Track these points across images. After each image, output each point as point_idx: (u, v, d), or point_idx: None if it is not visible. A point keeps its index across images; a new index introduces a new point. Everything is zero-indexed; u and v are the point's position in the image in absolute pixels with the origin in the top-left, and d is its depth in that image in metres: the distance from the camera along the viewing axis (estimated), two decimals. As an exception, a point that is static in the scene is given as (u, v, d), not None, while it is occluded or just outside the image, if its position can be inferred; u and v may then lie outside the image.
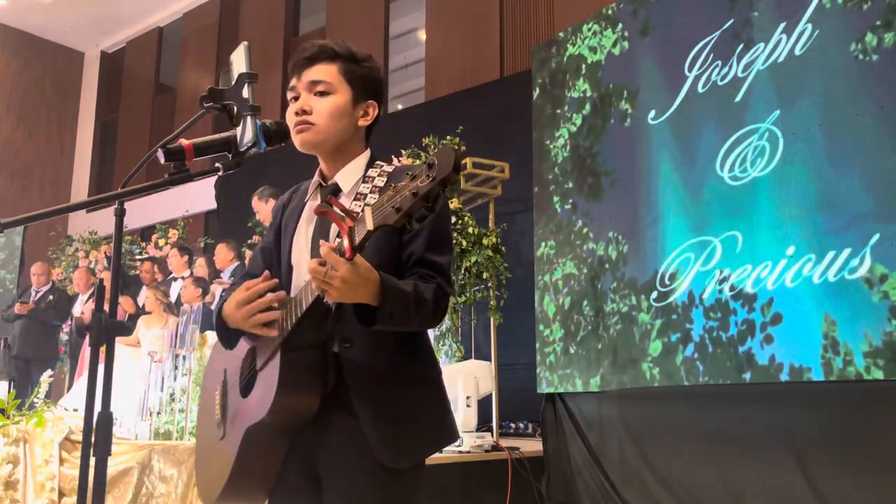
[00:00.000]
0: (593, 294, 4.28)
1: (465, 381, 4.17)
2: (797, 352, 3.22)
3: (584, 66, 4.54)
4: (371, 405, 1.47)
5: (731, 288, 3.52)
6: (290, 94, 1.61)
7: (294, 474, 1.54)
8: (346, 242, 1.26)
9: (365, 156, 1.63)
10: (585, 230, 4.41)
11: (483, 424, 4.65)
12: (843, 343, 3.06)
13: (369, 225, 1.21)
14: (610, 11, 4.38)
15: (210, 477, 1.61)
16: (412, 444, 1.51)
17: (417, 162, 5.10)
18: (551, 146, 4.73)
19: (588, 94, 4.50)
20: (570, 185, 4.56)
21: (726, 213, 3.60)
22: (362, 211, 1.25)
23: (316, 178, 1.65)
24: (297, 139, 1.57)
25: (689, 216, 3.78)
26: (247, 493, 1.56)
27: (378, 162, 1.62)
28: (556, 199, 4.65)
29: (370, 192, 1.53)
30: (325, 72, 1.57)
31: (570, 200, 4.56)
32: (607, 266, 4.21)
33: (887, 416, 3.07)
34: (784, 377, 3.25)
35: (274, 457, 1.54)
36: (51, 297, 7.74)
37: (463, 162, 4.86)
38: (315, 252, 1.55)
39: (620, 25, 4.30)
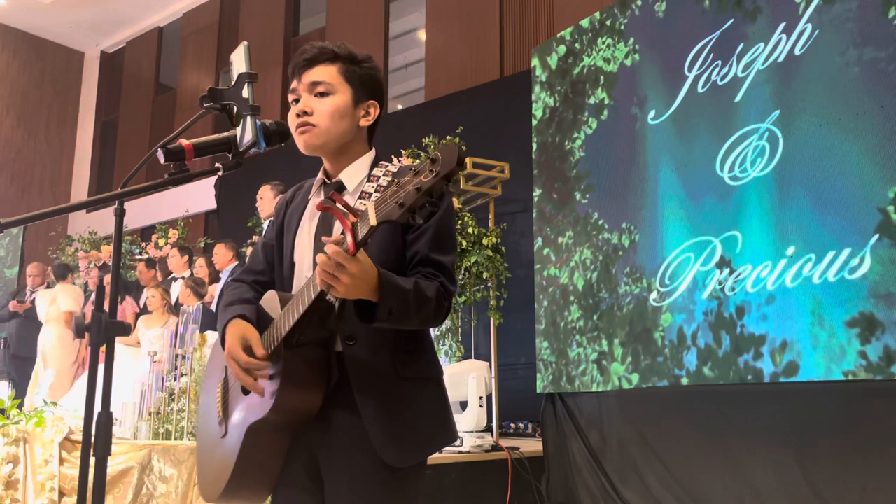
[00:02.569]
0: (608, 279, 4.27)
1: (478, 380, 4.17)
2: (798, 356, 3.22)
3: (602, 77, 4.52)
4: (374, 403, 1.48)
5: (732, 289, 3.52)
6: (290, 97, 1.61)
7: (296, 473, 1.54)
8: (349, 238, 1.26)
9: (370, 155, 1.64)
10: (599, 220, 4.38)
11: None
12: (844, 345, 3.06)
13: (372, 220, 1.21)
14: (609, 13, 4.38)
15: (211, 475, 1.62)
16: (415, 442, 1.51)
17: (418, 162, 5.11)
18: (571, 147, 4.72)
19: (606, 101, 4.47)
20: (584, 184, 4.54)
21: (726, 213, 3.60)
22: (365, 207, 1.25)
23: (320, 175, 1.66)
24: (299, 141, 1.58)
25: (688, 216, 3.78)
26: (249, 491, 1.56)
27: (382, 162, 1.62)
28: (577, 194, 4.62)
29: (375, 191, 1.54)
30: (325, 73, 1.58)
31: (589, 194, 4.53)
32: (621, 253, 4.20)
33: (888, 416, 3.06)
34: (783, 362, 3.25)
35: (276, 455, 1.54)
36: None
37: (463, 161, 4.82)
38: (318, 249, 1.56)
39: (620, 25, 4.30)
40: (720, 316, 3.56)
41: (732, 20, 3.71)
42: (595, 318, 4.24)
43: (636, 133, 4.12)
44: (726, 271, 3.55)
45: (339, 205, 1.25)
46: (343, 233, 1.28)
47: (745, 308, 3.46)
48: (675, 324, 3.77)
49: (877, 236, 3.02)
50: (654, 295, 3.90)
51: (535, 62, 4.83)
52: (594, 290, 4.26)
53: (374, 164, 1.61)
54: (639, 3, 4.19)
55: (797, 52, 3.41)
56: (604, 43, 4.40)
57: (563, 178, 4.61)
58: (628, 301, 4.04)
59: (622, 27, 4.25)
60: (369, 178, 1.57)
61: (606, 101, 4.27)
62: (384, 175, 1.57)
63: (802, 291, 3.24)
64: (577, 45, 4.60)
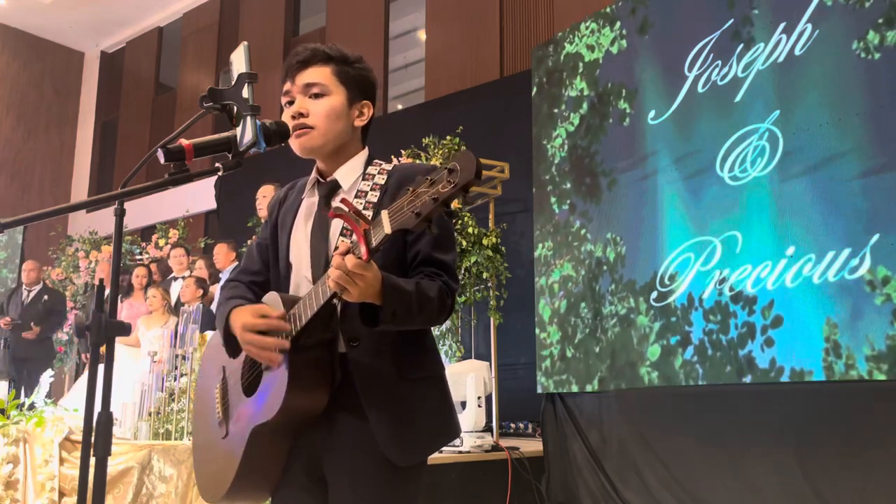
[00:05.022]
0: (591, 296, 4.27)
1: (476, 381, 4.17)
2: (798, 355, 3.22)
3: (580, 64, 4.51)
4: (378, 404, 1.48)
5: (731, 289, 3.52)
6: (284, 99, 1.61)
7: (299, 474, 1.54)
8: (362, 246, 1.26)
9: (363, 154, 1.64)
10: (583, 231, 4.38)
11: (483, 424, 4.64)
12: (844, 346, 3.04)
13: (387, 229, 1.22)
14: (609, 10, 4.38)
15: (211, 476, 1.61)
16: (420, 441, 1.52)
17: (417, 161, 5.10)
18: (548, 146, 4.70)
19: (585, 93, 4.46)
20: (568, 185, 4.54)
21: (726, 213, 3.60)
22: (379, 214, 1.25)
23: (313, 175, 1.66)
24: (296, 144, 1.57)
25: (689, 216, 3.78)
26: (251, 492, 1.56)
27: (376, 160, 1.62)
28: (553, 199, 4.62)
29: (370, 190, 1.54)
30: (319, 74, 1.58)
31: (568, 201, 4.52)
32: (605, 268, 4.20)
33: (888, 416, 3.06)
34: (785, 379, 3.25)
35: (279, 455, 1.54)
36: (45, 297, 7.65)
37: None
38: (314, 249, 1.56)
39: (619, 24, 4.30)
40: (718, 345, 3.51)
41: (732, 20, 3.71)
42: (570, 348, 4.18)
43: (641, 133, 4.10)
44: (726, 271, 3.55)
45: (350, 211, 1.25)
46: (343, 232, 1.28)
47: (747, 337, 3.39)
48: (666, 351, 3.72)
49: (877, 236, 3.02)
50: (642, 318, 3.86)
51: (578, 84, 4.68)
52: (573, 310, 4.20)
53: (368, 163, 1.62)
54: (640, 3, 4.19)
55: (797, 52, 3.41)
56: (587, 28, 4.36)
57: (538, 181, 4.58)
58: (613, 324, 4.00)
59: (614, 16, 4.25)
60: (364, 176, 1.58)
61: (628, 110, 4.21)
62: (379, 173, 1.57)
63: (802, 292, 3.24)
64: (559, 34, 4.59)
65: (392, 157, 5.05)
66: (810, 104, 3.34)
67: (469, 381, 4.16)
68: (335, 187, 1.60)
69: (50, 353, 7.80)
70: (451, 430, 1.59)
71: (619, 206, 4.15)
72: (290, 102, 1.59)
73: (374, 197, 1.54)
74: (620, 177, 4.17)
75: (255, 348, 1.46)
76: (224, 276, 5.97)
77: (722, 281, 3.56)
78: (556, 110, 4.65)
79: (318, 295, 1.40)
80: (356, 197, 1.53)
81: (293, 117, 1.56)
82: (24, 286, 7.72)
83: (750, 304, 3.42)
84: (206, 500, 1.63)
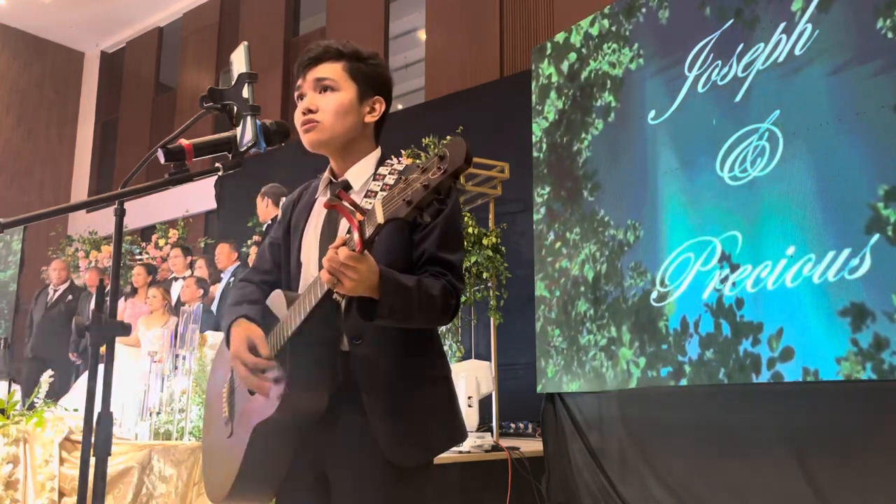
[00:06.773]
0: (567, 322, 4.15)
1: (468, 381, 4.17)
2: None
3: (549, 45, 4.39)
4: (380, 403, 1.47)
5: (732, 286, 3.51)
6: (296, 95, 1.62)
7: (302, 473, 1.54)
8: (356, 236, 1.26)
9: (376, 153, 1.63)
10: (559, 245, 4.25)
11: (483, 424, 4.64)
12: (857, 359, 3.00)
13: (380, 218, 1.21)
14: (609, 10, 4.38)
15: (217, 475, 1.61)
16: (421, 442, 1.51)
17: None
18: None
19: (554, 79, 4.35)
20: (547, 189, 4.45)
21: (726, 213, 3.59)
22: (372, 204, 1.24)
23: (326, 174, 1.66)
24: (304, 139, 1.58)
25: (688, 216, 3.78)
26: (254, 491, 1.56)
27: (388, 161, 1.62)
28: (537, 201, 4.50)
29: (381, 190, 1.53)
30: (329, 69, 1.58)
31: (543, 209, 4.41)
32: (583, 288, 4.08)
33: (888, 416, 3.06)
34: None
35: (282, 455, 1.54)
36: (69, 297, 7.62)
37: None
38: (323, 248, 1.55)
39: (618, 22, 4.29)
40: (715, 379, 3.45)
41: (732, 20, 3.71)
42: (606, 305, 4.13)
43: (641, 133, 4.09)
44: (726, 271, 3.54)
45: (345, 203, 1.25)
46: (349, 231, 1.28)
47: (751, 371, 3.31)
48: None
49: (877, 236, 3.02)
50: (625, 350, 3.82)
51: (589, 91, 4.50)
52: (543, 338, 4.12)
53: (381, 163, 1.61)
54: (640, 4, 4.18)
55: (797, 52, 3.41)
56: (609, 47, 4.33)
57: (572, 177, 4.52)
58: (591, 356, 3.93)
59: (626, 33, 4.23)
60: (375, 176, 1.57)
61: (555, 80, 4.09)
62: (390, 173, 1.56)
63: (803, 292, 3.24)
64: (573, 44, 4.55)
65: (392, 156, 5.04)
66: (810, 104, 3.33)
67: (460, 382, 4.16)
68: (346, 187, 1.60)
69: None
70: (455, 433, 1.57)
71: (608, 211, 4.10)
72: (301, 98, 1.59)
73: (383, 195, 1.54)
74: (607, 180, 4.12)
75: (244, 380, 1.49)
76: (225, 276, 5.98)
77: (722, 281, 3.55)
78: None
79: (315, 289, 1.40)
80: (366, 197, 1.53)
81: (303, 113, 1.56)
82: (51, 286, 7.70)
83: (755, 333, 3.31)
84: (212, 501, 1.63)
